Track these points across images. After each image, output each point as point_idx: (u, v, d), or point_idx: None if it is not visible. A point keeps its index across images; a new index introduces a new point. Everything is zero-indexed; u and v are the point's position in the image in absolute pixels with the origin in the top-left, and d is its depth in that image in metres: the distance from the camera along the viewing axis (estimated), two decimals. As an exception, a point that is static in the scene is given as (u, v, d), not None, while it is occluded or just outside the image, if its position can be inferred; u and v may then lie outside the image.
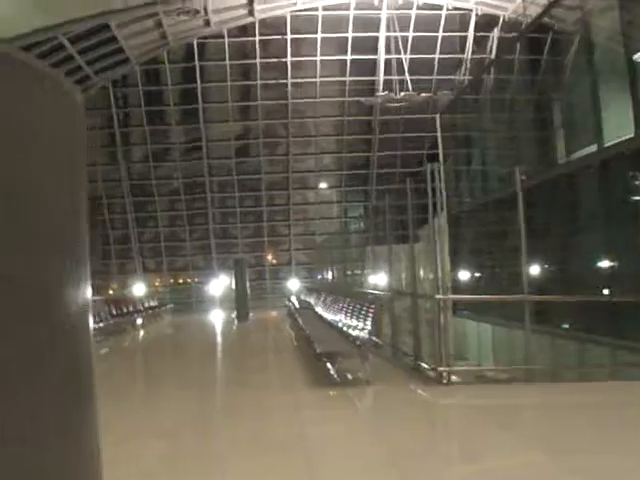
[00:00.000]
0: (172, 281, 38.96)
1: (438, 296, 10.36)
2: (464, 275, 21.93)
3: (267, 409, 9.18)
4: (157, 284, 38.54)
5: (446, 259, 10.76)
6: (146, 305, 29.32)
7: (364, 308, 11.80)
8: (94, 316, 20.88)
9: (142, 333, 25.31)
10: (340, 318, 14.38)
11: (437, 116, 26.21)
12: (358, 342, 10.80)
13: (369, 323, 11.08)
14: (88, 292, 1.53)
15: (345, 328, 12.95)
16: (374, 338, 12.61)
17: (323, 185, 38.01)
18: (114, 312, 23.24)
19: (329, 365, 11.53)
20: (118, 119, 34.99)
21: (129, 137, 36.30)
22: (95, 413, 1.54)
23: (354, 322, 12.53)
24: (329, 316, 16.49)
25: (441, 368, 9.93)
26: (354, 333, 11.79)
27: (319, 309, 19.54)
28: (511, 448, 6.75)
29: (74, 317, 1.46)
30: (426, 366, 10.88)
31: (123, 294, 34.37)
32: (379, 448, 6.98)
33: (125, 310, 25.30)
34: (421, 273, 15.54)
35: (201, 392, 10.89)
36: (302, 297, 28.74)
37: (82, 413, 1.49)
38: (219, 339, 23.84)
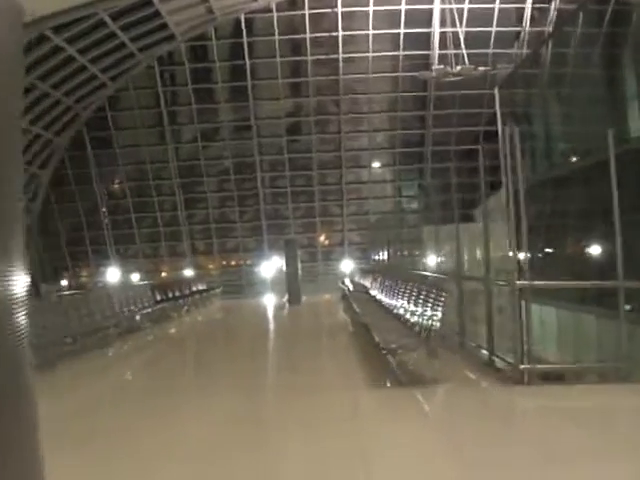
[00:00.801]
0: (224, 263, 38.19)
1: (519, 282, 9.06)
2: (534, 255, 20.62)
3: (324, 416, 8.09)
4: (209, 266, 37.81)
5: (524, 237, 9.34)
6: (194, 289, 28.36)
7: (431, 294, 10.51)
8: (136, 302, 20.31)
9: (188, 320, 24.29)
10: (400, 303, 13.18)
11: (495, 90, 24.84)
12: (425, 333, 9.64)
13: (439, 312, 9.78)
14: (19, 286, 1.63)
15: (408, 315, 11.80)
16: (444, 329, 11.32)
17: (376, 164, 36.76)
18: (158, 297, 22.31)
19: (390, 358, 10.35)
20: (165, 98, 34.13)
21: (176, 117, 35.47)
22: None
23: (417, 309, 11.32)
24: (387, 300, 15.36)
25: (523, 366, 8.70)
26: (418, 320, 10.63)
27: (375, 292, 18.36)
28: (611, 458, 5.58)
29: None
30: (503, 362, 9.65)
31: (172, 277, 33.71)
32: (455, 462, 5.87)
33: (171, 295, 24.38)
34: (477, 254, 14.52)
35: (249, 394, 9.82)
36: (356, 279, 27.61)
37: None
38: (269, 325, 22.91)
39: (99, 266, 37.34)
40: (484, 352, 10.65)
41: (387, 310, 14.08)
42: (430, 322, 9.95)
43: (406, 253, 24.44)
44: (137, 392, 11.02)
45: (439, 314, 9.69)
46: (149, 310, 20.50)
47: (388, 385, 9.35)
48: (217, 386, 10.59)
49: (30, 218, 35.17)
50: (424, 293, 11.11)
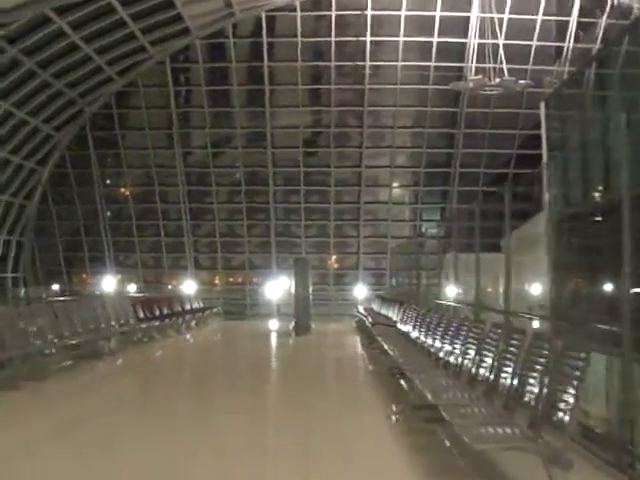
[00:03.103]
0: (229, 280, 35.70)
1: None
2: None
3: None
4: (211, 282, 35.30)
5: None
6: (188, 307, 25.63)
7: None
8: (109, 320, 17.58)
9: (171, 343, 21.16)
10: (458, 350, 9.78)
11: (541, 106, 22.34)
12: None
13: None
14: None
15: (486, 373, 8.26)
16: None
17: (397, 183, 34.18)
18: (141, 315, 19.60)
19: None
20: (176, 98, 31.73)
21: (187, 119, 33.16)
22: None
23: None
24: (430, 342, 11.81)
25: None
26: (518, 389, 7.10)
27: (408, 328, 14.86)
28: None
29: None
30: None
31: (165, 292, 31.14)
32: None
33: (158, 313, 21.59)
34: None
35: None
36: (376, 309, 24.75)
37: None
38: (267, 363, 17.64)
39: (96, 274, 34.92)
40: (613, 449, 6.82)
41: (432, 356, 11.12)
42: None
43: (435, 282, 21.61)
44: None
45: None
46: (124, 330, 17.68)
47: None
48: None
49: (25, 217, 32.89)
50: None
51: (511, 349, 7.59)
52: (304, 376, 14.65)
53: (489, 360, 8.21)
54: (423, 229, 33.26)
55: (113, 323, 17.12)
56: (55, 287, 34.11)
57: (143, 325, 19.58)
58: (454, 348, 10.03)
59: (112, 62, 28.56)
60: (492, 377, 7.88)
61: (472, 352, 9.05)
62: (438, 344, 11.02)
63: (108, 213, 34.76)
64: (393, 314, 19.28)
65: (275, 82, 31.16)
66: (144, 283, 34.41)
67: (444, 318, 11.75)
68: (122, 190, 34.73)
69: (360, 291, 33.04)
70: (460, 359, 9.51)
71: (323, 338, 23.95)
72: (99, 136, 32.65)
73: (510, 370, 7.35)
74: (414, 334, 13.59)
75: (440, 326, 11.46)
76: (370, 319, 19.98)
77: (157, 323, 21.07)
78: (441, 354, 10.65)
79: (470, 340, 9.37)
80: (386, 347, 12.96)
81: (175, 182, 33.40)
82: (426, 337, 12.19)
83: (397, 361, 11.27)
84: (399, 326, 16.32)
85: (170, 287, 33.87)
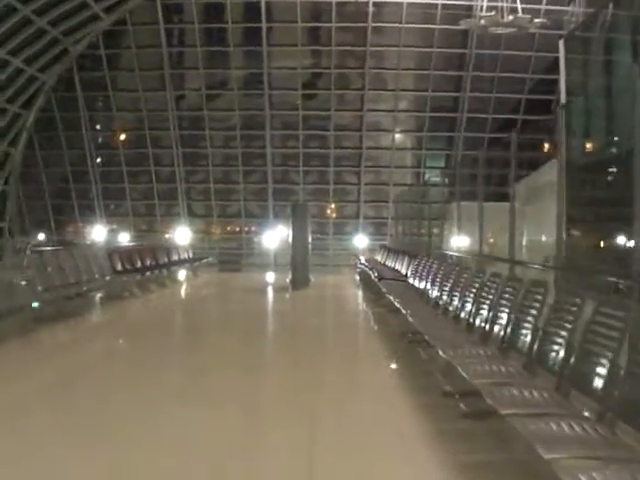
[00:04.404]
0: (228, 228, 34.42)
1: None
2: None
3: None
4: (206, 231, 33.93)
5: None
6: (175, 258, 24.05)
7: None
8: (83, 273, 15.82)
9: (151, 299, 18.90)
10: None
11: (560, 43, 20.63)
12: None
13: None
14: None
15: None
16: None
17: (400, 128, 32.54)
18: (119, 267, 18.03)
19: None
20: (167, 37, 29.83)
21: (180, 60, 31.37)
22: None
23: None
24: (446, 300, 10.66)
25: None
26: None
27: (421, 284, 13.34)
28: None
29: None
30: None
31: (157, 241, 29.67)
32: None
33: (140, 264, 19.87)
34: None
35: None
36: (380, 259, 23.33)
37: None
38: (258, 328, 14.18)
39: (86, 223, 33.50)
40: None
41: (457, 319, 9.67)
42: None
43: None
44: None
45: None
46: (95, 285, 15.85)
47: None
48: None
49: (10, 164, 31.33)
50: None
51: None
52: (301, 346, 11.81)
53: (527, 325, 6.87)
54: (426, 177, 31.99)
55: (85, 278, 15.23)
56: (41, 237, 32.62)
57: (122, 278, 17.73)
58: (480, 309, 8.69)
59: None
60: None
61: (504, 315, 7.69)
62: (465, 306, 9.54)
63: (98, 159, 33.23)
64: (401, 267, 17.87)
65: (273, 19, 29.30)
66: (136, 232, 33.06)
67: (466, 272, 10.35)
68: (112, 135, 33.08)
69: (361, 241, 31.69)
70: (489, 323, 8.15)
71: (323, 293, 22.09)
72: (87, 78, 30.90)
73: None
74: (433, 292, 11.94)
75: (462, 283, 10.08)
76: (375, 273, 18.26)
77: (138, 277, 19.07)
78: (465, 316, 9.30)
79: (503, 302, 7.96)
80: (401, 309, 11.22)
81: (167, 126, 31.72)
82: (450, 297, 10.50)
83: (415, 326, 9.71)
84: (410, 281, 14.93)
85: (164, 236, 32.38)
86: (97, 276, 16.05)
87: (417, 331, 9.42)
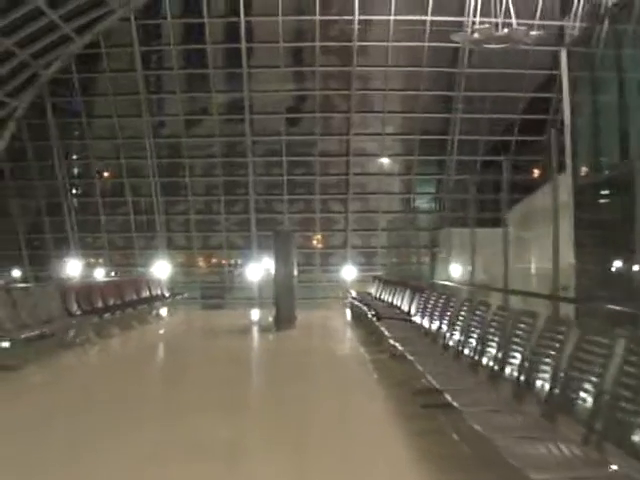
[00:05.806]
0: (213, 261, 33.09)
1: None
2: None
3: None
4: (187, 264, 32.35)
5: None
6: (145, 294, 22.23)
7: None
8: (25, 317, 13.32)
9: (105, 349, 16.23)
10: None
11: (562, 53, 19.41)
12: None
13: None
14: None
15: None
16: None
17: (389, 152, 31.11)
18: (74, 308, 16.01)
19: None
20: (143, 60, 28.34)
21: (156, 83, 29.95)
22: None
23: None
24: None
25: None
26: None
27: (427, 323, 11.67)
28: None
29: None
30: None
31: (122, 277, 28.14)
32: None
33: (101, 304, 17.71)
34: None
35: None
36: (374, 293, 21.40)
37: None
38: (231, 390, 10.74)
39: (60, 257, 31.77)
40: None
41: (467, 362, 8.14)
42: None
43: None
44: None
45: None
46: (39, 333, 13.11)
47: None
48: None
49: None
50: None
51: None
52: (285, 422, 8.58)
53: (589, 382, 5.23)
54: (416, 203, 30.75)
55: (27, 322, 12.95)
56: (16, 273, 31.01)
57: (74, 321, 15.25)
58: (510, 357, 7.00)
59: (68, 18, 25.17)
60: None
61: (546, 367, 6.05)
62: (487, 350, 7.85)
63: (72, 190, 31.67)
64: (401, 302, 16.08)
65: (254, 40, 27.98)
66: (113, 266, 31.43)
67: (486, 310, 8.59)
68: (86, 164, 31.52)
69: (349, 272, 30.04)
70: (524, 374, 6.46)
71: (311, 334, 19.59)
72: (58, 103, 29.42)
73: None
74: (453, 337, 9.69)
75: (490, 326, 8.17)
76: (372, 311, 16.08)
77: (95, 319, 16.32)
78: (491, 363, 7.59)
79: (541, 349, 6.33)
80: (414, 362, 8.75)
81: (144, 154, 30.18)
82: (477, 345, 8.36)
83: (431, 383, 7.53)
84: (416, 320, 12.97)
85: (140, 270, 30.70)
86: (45, 319, 13.79)
87: (433, 388, 7.40)
